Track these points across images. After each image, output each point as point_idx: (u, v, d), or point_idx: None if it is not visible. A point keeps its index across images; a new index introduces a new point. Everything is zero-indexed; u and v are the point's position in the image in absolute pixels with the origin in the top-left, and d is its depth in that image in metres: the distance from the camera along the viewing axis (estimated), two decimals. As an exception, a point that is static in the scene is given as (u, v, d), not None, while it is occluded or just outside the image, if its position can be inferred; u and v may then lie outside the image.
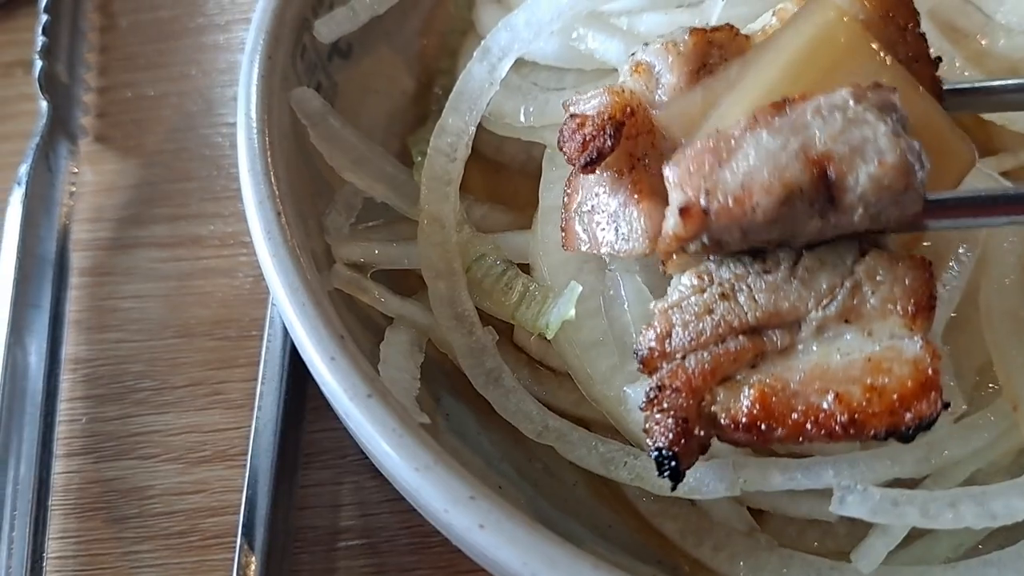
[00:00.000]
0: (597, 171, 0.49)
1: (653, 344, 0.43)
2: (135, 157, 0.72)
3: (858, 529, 0.51)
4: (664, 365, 0.43)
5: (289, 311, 0.46)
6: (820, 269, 0.43)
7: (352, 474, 0.60)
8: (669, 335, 0.43)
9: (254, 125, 0.52)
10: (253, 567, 0.52)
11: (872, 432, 0.40)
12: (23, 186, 0.65)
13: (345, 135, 0.59)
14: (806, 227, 0.41)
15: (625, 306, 0.52)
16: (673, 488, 0.43)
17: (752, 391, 0.41)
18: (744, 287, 0.43)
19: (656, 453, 0.42)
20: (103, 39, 0.79)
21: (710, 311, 0.43)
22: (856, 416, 0.40)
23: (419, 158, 0.61)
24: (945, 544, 0.50)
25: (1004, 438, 0.50)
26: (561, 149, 0.49)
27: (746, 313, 0.43)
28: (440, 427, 0.53)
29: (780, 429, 0.41)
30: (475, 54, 0.57)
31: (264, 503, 0.54)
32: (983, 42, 0.67)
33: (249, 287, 0.66)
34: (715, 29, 0.49)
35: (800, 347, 0.42)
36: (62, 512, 0.59)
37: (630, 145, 0.48)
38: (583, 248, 0.50)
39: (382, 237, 0.58)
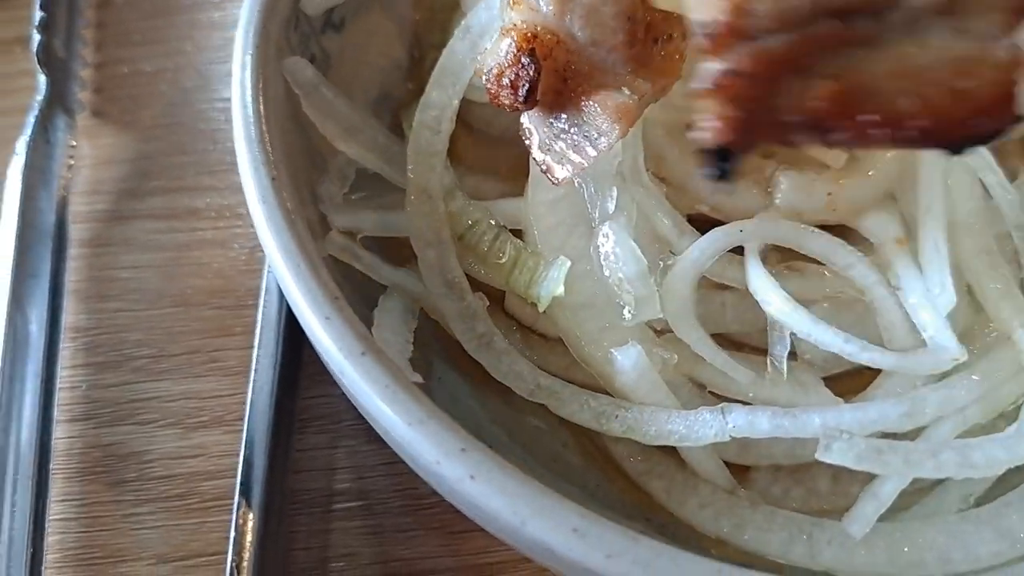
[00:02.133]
0: (538, 103, 0.49)
1: (729, 18, 0.37)
2: (132, 131, 0.73)
3: (841, 488, 0.53)
4: (739, 45, 0.37)
5: (284, 273, 0.47)
6: None
7: (347, 439, 0.61)
8: (748, 9, 0.37)
9: (248, 93, 0.53)
10: (251, 525, 0.53)
11: (947, 139, 0.37)
12: (22, 157, 0.66)
13: (338, 105, 0.59)
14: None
15: (618, 263, 0.52)
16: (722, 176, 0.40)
17: (828, 83, 0.37)
18: None
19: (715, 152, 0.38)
20: (99, 15, 0.80)
21: None
22: (935, 120, 0.37)
23: (409, 129, 0.63)
24: (955, 495, 0.52)
25: (985, 399, 0.51)
26: (499, 105, 0.49)
27: None
28: (433, 390, 0.54)
29: (844, 130, 0.37)
30: (456, 32, 0.58)
31: (261, 465, 0.55)
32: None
33: (245, 258, 0.67)
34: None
35: (886, 38, 0.37)
36: (63, 476, 0.60)
37: (550, 64, 0.48)
38: (570, 175, 0.50)
39: (375, 206, 0.59)
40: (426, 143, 0.57)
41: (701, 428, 0.49)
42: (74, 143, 0.71)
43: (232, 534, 0.54)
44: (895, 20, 0.36)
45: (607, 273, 0.52)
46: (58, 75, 0.72)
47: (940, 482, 0.53)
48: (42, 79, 0.70)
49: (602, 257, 0.53)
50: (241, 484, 0.55)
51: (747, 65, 0.36)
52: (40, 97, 0.70)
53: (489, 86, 0.49)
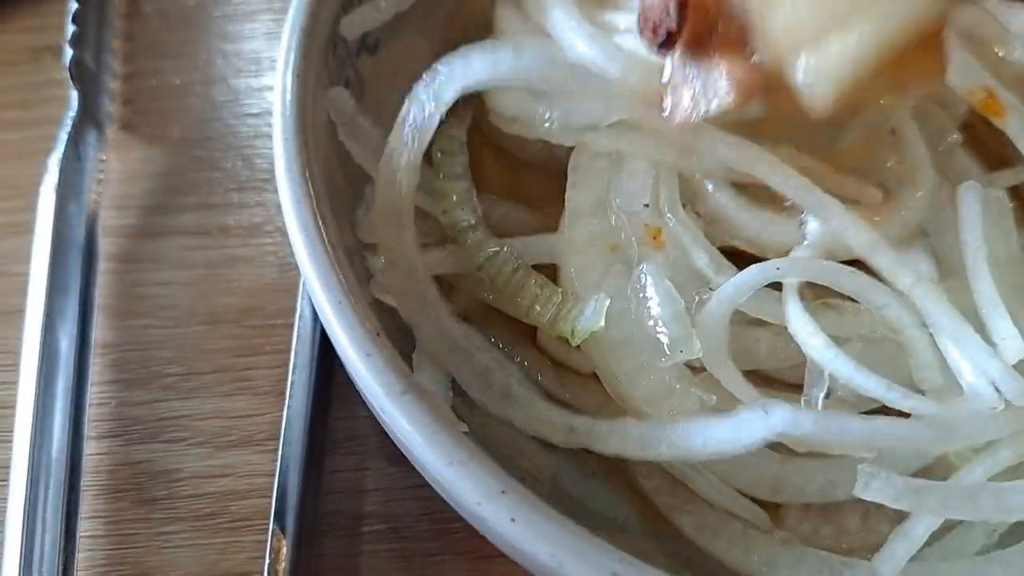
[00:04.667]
0: (678, 48, 0.53)
1: None
2: (161, 145, 0.73)
3: (870, 526, 0.53)
4: None
5: (327, 309, 0.48)
6: None
7: (374, 460, 0.61)
8: None
9: (291, 125, 0.53)
10: (284, 551, 0.54)
11: None
12: (55, 175, 0.66)
13: (374, 135, 0.60)
14: None
15: (654, 305, 0.53)
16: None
17: None
18: None
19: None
20: (128, 26, 0.80)
21: None
22: None
23: (438, 155, 0.63)
24: (978, 532, 0.52)
25: (1017, 440, 0.51)
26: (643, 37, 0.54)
27: None
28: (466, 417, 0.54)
29: None
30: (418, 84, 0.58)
31: (295, 490, 0.56)
32: (1000, 52, 0.68)
33: (274, 276, 0.68)
34: None
35: None
36: (93, 493, 0.60)
37: (700, 13, 0.52)
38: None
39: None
40: (389, 205, 0.56)
41: (747, 428, 0.49)
42: (104, 157, 0.71)
43: (267, 560, 0.54)
44: None
45: (643, 314, 0.52)
46: (88, 89, 0.72)
47: (963, 521, 0.53)
48: (74, 94, 0.70)
49: (638, 298, 0.53)
50: (276, 511, 0.55)
51: None
52: (72, 113, 0.69)
53: (639, 17, 0.54)
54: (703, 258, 0.55)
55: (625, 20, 0.63)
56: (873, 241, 0.54)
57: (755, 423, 0.49)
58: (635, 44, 0.60)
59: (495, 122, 0.63)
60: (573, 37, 0.60)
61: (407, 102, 0.58)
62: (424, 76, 0.58)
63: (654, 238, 0.56)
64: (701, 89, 0.52)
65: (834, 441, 0.49)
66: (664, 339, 0.51)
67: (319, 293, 0.48)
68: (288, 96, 0.55)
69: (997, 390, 0.50)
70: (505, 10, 0.67)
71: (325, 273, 0.48)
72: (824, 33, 0.51)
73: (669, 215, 0.56)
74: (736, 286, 0.54)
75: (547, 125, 0.60)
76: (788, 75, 0.52)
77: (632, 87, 0.58)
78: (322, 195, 0.53)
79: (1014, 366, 0.51)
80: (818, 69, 0.52)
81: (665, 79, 0.54)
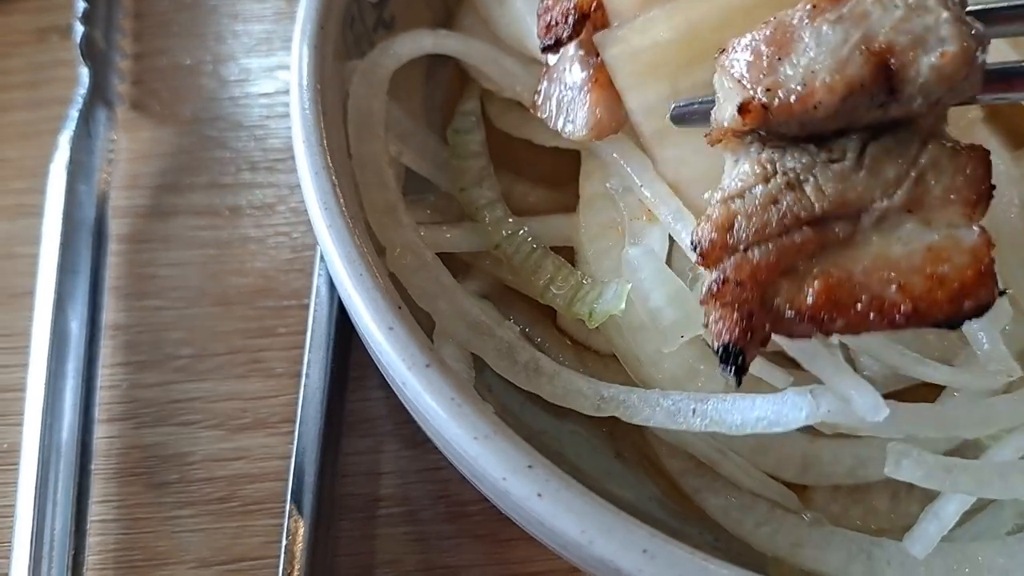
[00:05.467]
0: (571, 47, 0.52)
1: (714, 236, 0.42)
2: (171, 125, 0.72)
3: (900, 508, 0.52)
4: (727, 257, 0.42)
5: (347, 282, 0.46)
6: (886, 159, 0.42)
7: (389, 443, 0.60)
8: (731, 226, 0.42)
9: (307, 95, 0.52)
10: (301, 532, 0.53)
11: (933, 320, 0.40)
12: (66, 153, 0.65)
13: (391, 110, 0.59)
14: (864, 118, 0.42)
15: (651, 290, 0.51)
16: (738, 383, 0.43)
17: (817, 282, 0.41)
18: (811, 177, 0.42)
19: (721, 349, 0.41)
20: (137, 4, 0.79)
21: (775, 201, 0.42)
22: (919, 305, 0.40)
23: (453, 133, 0.62)
24: (1009, 511, 0.51)
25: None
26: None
27: (813, 204, 0.42)
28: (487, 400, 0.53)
29: (842, 320, 0.41)
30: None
31: (312, 471, 0.55)
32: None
33: (287, 257, 0.67)
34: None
35: (860, 237, 0.42)
36: (104, 476, 0.59)
37: (600, 20, 0.51)
38: (544, 117, 0.54)
39: (426, 218, 0.59)
40: (379, 200, 0.55)
41: (791, 411, 0.47)
42: (114, 136, 0.70)
43: (283, 542, 0.53)
44: (865, 222, 0.42)
45: (639, 302, 0.51)
46: (99, 67, 0.71)
47: (994, 500, 0.52)
48: (84, 72, 0.69)
49: (634, 286, 0.52)
50: (293, 491, 0.54)
51: (735, 274, 0.41)
52: (83, 90, 0.68)
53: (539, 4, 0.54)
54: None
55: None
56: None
57: (801, 407, 0.47)
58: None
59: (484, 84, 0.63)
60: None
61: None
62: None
63: (648, 212, 0.55)
64: (564, 107, 0.52)
65: (879, 433, 0.48)
66: (663, 325, 0.50)
67: (339, 265, 0.47)
68: (305, 68, 0.54)
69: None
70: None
71: (345, 245, 0.47)
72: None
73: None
74: None
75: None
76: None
77: None
78: (340, 166, 0.52)
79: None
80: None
81: (539, 84, 0.55)
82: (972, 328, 0.50)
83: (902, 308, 0.40)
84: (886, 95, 0.40)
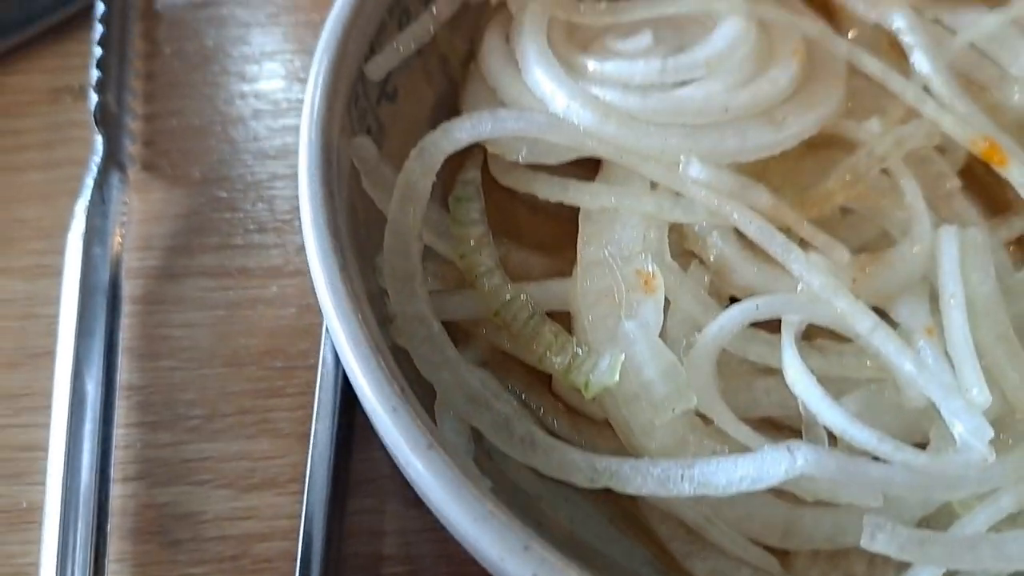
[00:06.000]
0: None
1: None
2: (182, 186, 0.75)
3: (876, 572, 0.55)
4: None
5: (353, 363, 0.49)
6: None
7: (392, 503, 0.63)
8: None
9: (316, 178, 0.55)
10: (309, 597, 0.56)
11: None
12: (82, 222, 0.67)
13: (395, 182, 0.61)
14: None
15: (645, 363, 0.55)
16: None
17: None
18: None
19: None
20: (148, 66, 0.81)
21: None
22: None
23: (454, 201, 0.65)
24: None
25: (1018, 489, 0.53)
26: None
27: None
28: (485, 466, 0.56)
29: None
30: (412, 152, 0.61)
31: (319, 532, 0.57)
32: (997, 95, 0.70)
33: (294, 318, 0.69)
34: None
35: None
36: (120, 535, 0.61)
37: None
38: None
39: (429, 285, 0.61)
40: (400, 269, 0.58)
41: (771, 467, 0.50)
42: (127, 199, 0.72)
43: (292, 607, 0.56)
44: None
45: (633, 375, 0.54)
46: (111, 133, 0.73)
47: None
48: (99, 139, 0.72)
49: (628, 355, 0.55)
50: (302, 551, 0.57)
51: None
52: (97, 158, 0.71)
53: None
54: (690, 301, 0.58)
55: (596, 64, 0.65)
56: (832, 287, 0.56)
57: (780, 462, 0.50)
58: (611, 94, 0.63)
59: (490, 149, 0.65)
60: (554, 92, 0.63)
61: (401, 176, 0.60)
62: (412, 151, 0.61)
63: (645, 283, 0.58)
64: None
65: (852, 483, 0.51)
66: (655, 398, 0.53)
67: (347, 349, 0.49)
68: (314, 149, 0.56)
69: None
70: (492, 41, 0.69)
71: (352, 330, 0.50)
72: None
73: (656, 262, 0.58)
74: (720, 326, 0.56)
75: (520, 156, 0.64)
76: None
77: (609, 136, 0.61)
78: (346, 244, 0.55)
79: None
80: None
81: None
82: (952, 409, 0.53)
83: None
84: None
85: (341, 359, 0.50)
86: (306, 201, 0.54)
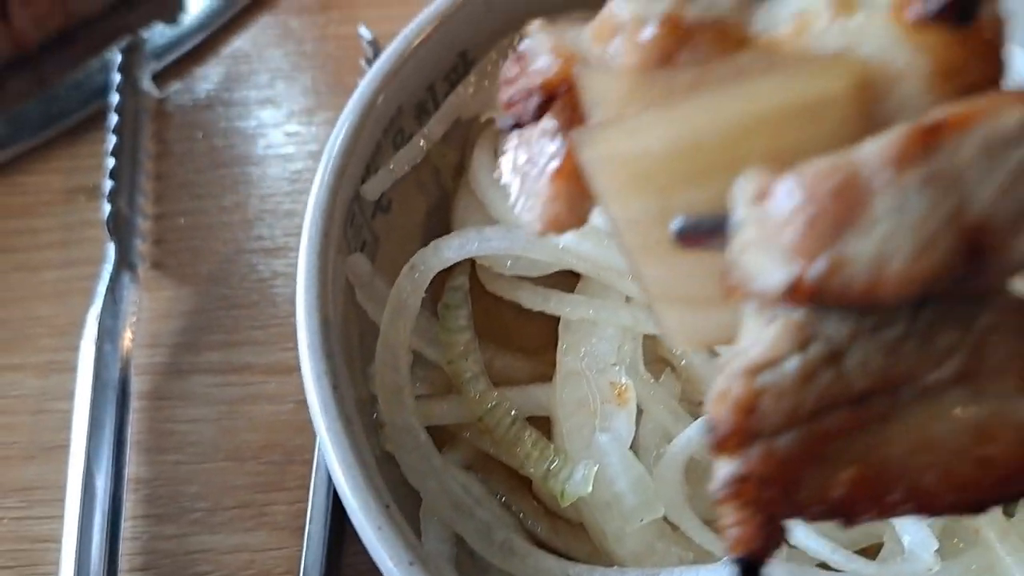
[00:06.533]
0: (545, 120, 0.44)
1: (736, 420, 0.35)
2: (190, 284, 0.79)
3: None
4: (748, 445, 0.35)
5: (342, 482, 0.53)
6: (941, 324, 0.34)
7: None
8: (755, 407, 0.35)
9: (312, 303, 0.59)
10: None
11: (974, 511, 0.35)
12: (94, 329, 0.72)
13: (387, 295, 0.66)
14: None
15: (616, 475, 0.59)
16: None
17: (849, 472, 0.35)
18: (857, 348, 0.34)
19: (741, 565, 0.36)
20: (158, 166, 0.86)
21: (811, 377, 0.34)
22: (961, 496, 0.35)
23: (443, 308, 0.69)
24: None
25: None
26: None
27: (853, 381, 0.34)
28: (467, 567, 0.60)
29: (872, 512, 0.35)
30: (403, 269, 0.65)
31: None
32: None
33: (292, 413, 0.73)
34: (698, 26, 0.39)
35: (899, 412, 0.35)
36: (127, 626, 0.66)
37: (571, 103, 0.43)
38: (504, 185, 0.49)
39: (418, 390, 0.65)
40: (390, 381, 0.62)
41: None
42: (136, 299, 0.77)
43: None
44: (906, 394, 0.34)
45: (605, 485, 0.58)
46: (123, 236, 0.78)
47: None
48: (111, 246, 0.76)
49: (601, 466, 0.59)
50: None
51: (761, 469, 0.34)
52: (109, 265, 0.75)
53: (505, 65, 0.47)
54: (661, 411, 0.62)
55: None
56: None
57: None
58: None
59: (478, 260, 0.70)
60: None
61: (392, 291, 0.65)
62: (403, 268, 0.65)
63: (618, 395, 0.62)
64: (526, 185, 0.46)
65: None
66: (624, 509, 0.57)
67: (335, 467, 0.54)
68: (311, 273, 0.60)
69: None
70: (481, 156, 0.74)
71: (343, 451, 0.54)
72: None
73: (628, 375, 0.63)
74: (688, 438, 0.60)
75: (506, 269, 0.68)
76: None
77: (587, 253, 0.66)
78: (340, 361, 0.59)
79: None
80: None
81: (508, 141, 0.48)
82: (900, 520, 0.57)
83: (942, 500, 0.35)
84: (967, 276, 0.31)
85: (332, 477, 0.55)
86: (303, 325, 0.58)
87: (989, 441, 0.34)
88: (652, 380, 0.64)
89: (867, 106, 0.34)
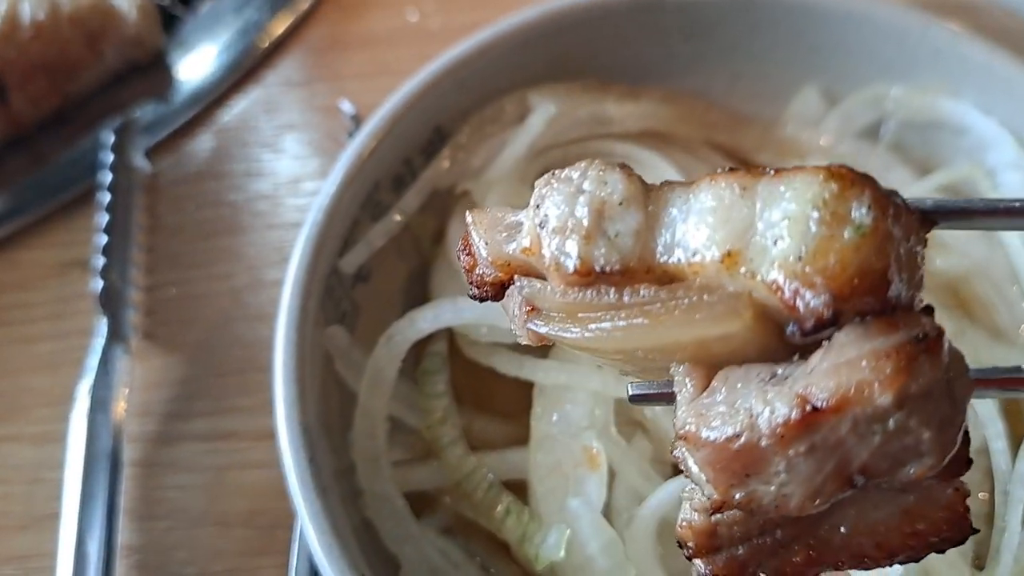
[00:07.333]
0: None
1: (698, 542, 0.43)
2: (180, 353, 0.82)
3: None
4: (715, 554, 0.43)
5: (319, 553, 0.56)
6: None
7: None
8: (713, 532, 0.43)
9: (289, 377, 0.62)
10: None
11: (906, 561, 0.42)
12: (86, 403, 0.74)
13: (366, 364, 0.68)
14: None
15: (588, 539, 0.61)
16: None
17: (799, 556, 0.42)
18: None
19: None
20: (150, 239, 0.89)
21: (754, 512, 0.41)
22: (895, 555, 0.42)
23: (422, 375, 0.72)
24: None
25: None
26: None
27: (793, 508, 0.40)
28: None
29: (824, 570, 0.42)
30: (380, 340, 0.68)
31: None
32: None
33: (279, 480, 0.74)
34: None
35: (839, 511, 0.41)
36: None
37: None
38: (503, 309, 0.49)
39: (397, 455, 0.68)
40: (368, 449, 0.65)
41: None
42: (128, 370, 0.79)
43: None
44: (845, 501, 0.40)
45: (578, 548, 0.60)
46: (115, 311, 0.80)
47: None
48: (103, 321, 0.79)
49: (573, 532, 0.61)
50: None
51: (723, 570, 0.43)
52: (101, 340, 0.78)
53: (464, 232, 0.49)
54: (633, 473, 0.64)
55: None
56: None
57: None
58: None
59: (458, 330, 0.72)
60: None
61: (369, 364, 0.67)
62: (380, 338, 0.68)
63: (590, 459, 0.64)
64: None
65: None
66: (595, 571, 0.59)
67: (312, 537, 0.56)
68: (288, 349, 0.63)
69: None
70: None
71: (319, 522, 0.56)
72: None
73: (601, 438, 0.65)
74: (659, 500, 0.63)
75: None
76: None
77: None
78: (316, 433, 0.61)
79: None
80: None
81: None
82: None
83: (879, 560, 0.42)
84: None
85: (311, 551, 0.57)
86: (280, 399, 0.61)
87: (920, 519, 0.41)
88: (624, 442, 0.66)
89: (768, 324, 0.39)
